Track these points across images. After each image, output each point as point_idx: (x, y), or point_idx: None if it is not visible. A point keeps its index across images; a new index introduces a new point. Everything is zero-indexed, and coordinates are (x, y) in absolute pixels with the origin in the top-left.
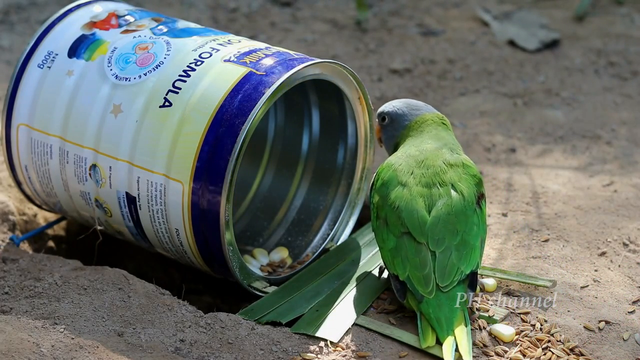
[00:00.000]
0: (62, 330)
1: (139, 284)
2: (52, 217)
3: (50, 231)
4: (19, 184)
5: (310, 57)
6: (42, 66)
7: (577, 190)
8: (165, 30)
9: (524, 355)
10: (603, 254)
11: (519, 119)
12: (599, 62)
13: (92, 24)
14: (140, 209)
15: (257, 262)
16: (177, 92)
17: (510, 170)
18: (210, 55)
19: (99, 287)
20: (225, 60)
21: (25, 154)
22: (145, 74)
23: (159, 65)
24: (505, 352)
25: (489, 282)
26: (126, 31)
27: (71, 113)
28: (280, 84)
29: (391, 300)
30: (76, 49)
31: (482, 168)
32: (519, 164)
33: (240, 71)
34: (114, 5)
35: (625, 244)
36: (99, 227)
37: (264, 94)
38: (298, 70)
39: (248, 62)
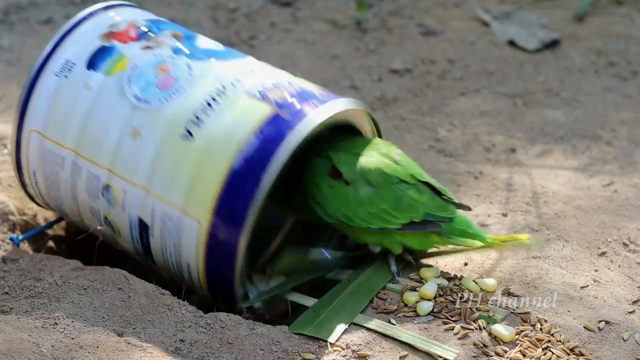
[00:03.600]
0: (62, 330)
1: (139, 284)
2: (52, 217)
3: (50, 231)
4: (24, 185)
5: (335, 96)
6: (59, 74)
7: (577, 190)
8: (186, 50)
9: (524, 355)
10: (603, 254)
11: (519, 119)
12: (599, 62)
13: (111, 35)
14: (152, 237)
15: (256, 289)
16: (198, 125)
17: (510, 170)
18: (234, 86)
19: (99, 287)
20: (249, 94)
21: (35, 160)
22: (165, 99)
23: (180, 91)
24: (505, 352)
25: (489, 282)
26: (146, 47)
27: (87, 129)
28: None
29: (391, 300)
30: (95, 61)
31: (482, 168)
32: (519, 164)
33: (265, 111)
34: (133, 14)
35: (625, 244)
36: (99, 227)
37: (289, 143)
38: (324, 120)
39: (273, 100)
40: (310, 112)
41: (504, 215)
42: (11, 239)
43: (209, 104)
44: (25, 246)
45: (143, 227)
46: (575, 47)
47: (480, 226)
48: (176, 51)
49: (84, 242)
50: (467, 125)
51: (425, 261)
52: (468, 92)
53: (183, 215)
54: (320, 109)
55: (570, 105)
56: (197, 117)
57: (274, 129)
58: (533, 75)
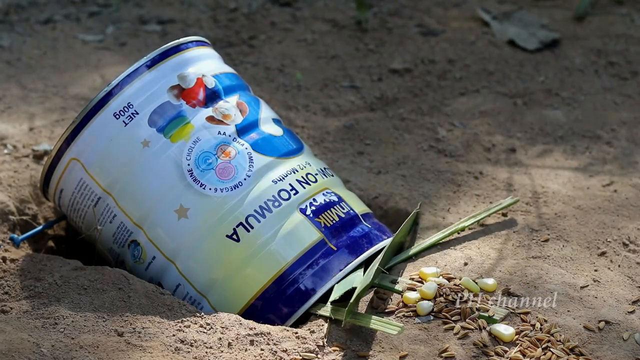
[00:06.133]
0: (62, 330)
1: (139, 284)
2: (52, 217)
3: (50, 231)
4: (45, 193)
5: (381, 234)
6: (118, 117)
7: (577, 190)
8: (250, 135)
9: (524, 355)
10: (603, 254)
11: (519, 119)
12: (599, 62)
13: (180, 91)
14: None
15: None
16: (248, 230)
17: (510, 170)
18: (289, 198)
19: (99, 287)
20: (301, 210)
21: (67, 184)
22: (222, 190)
23: (238, 186)
24: (505, 352)
25: (489, 282)
26: (211, 119)
27: (133, 184)
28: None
29: (391, 301)
30: (158, 119)
31: (482, 168)
32: (519, 164)
33: (313, 236)
34: (203, 66)
35: (625, 244)
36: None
37: (330, 277)
38: (367, 252)
39: (322, 224)
40: (354, 248)
41: (504, 215)
42: (11, 239)
43: (263, 212)
44: (25, 246)
45: (160, 286)
46: (575, 47)
47: (480, 226)
48: (240, 135)
49: (83, 242)
50: (467, 125)
51: (425, 261)
52: (468, 92)
53: (208, 304)
54: (367, 252)
55: (570, 105)
56: (248, 222)
57: (317, 259)
58: (533, 75)
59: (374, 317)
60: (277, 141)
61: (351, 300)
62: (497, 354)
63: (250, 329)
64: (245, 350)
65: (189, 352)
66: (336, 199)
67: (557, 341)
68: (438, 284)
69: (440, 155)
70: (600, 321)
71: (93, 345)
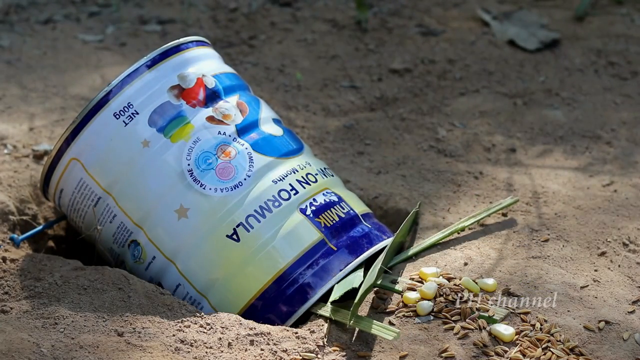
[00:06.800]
0: (62, 330)
1: (139, 284)
2: (52, 217)
3: (50, 231)
4: (45, 193)
5: (381, 234)
6: (118, 117)
7: (577, 190)
8: (250, 135)
9: (524, 355)
10: (603, 254)
11: (519, 119)
12: (599, 62)
13: (180, 91)
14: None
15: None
16: (248, 230)
17: (510, 170)
18: (289, 198)
19: (99, 287)
20: (301, 210)
21: (67, 183)
22: (222, 190)
23: (238, 186)
24: (505, 352)
25: (489, 282)
26: (211, 119)
27: (133, 184)
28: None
29: (391, 301)
30: (158, 119)
31: (482, 168)
32: (519, 164)
33: (313, 236)
34: (203, 66)
35: (625, 244)
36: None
37: (330, 277)
38: (367, 252)
39: (322, 224)
40: (354, 248)
41: (504, 215)
42: (11, 239)
43: (263, 212)
44: (25, 246)
45: (160, 286)
46: (575, 47)
47: (480, 226)
48: (240, 135)
49: (84, 242)
50: (467, 125)
51: (425, 261)
52: (468, 92)
53: (209, 305)
54: (367, 252)
55: (570, 105)
56: (248, 222)
57: (318, 258)
58: (533, 75)
59: (374, 321)
60: (277, 141)
61: (355, 301)
62: (497, 354)
63: (250, 329)
64: (245, 350)
65: (189, 352)
66: (336, 199)
67: (557, 341)
68: (438, 284)
69: (440, 155)
70: (600, 321)
71: (93, 345)
